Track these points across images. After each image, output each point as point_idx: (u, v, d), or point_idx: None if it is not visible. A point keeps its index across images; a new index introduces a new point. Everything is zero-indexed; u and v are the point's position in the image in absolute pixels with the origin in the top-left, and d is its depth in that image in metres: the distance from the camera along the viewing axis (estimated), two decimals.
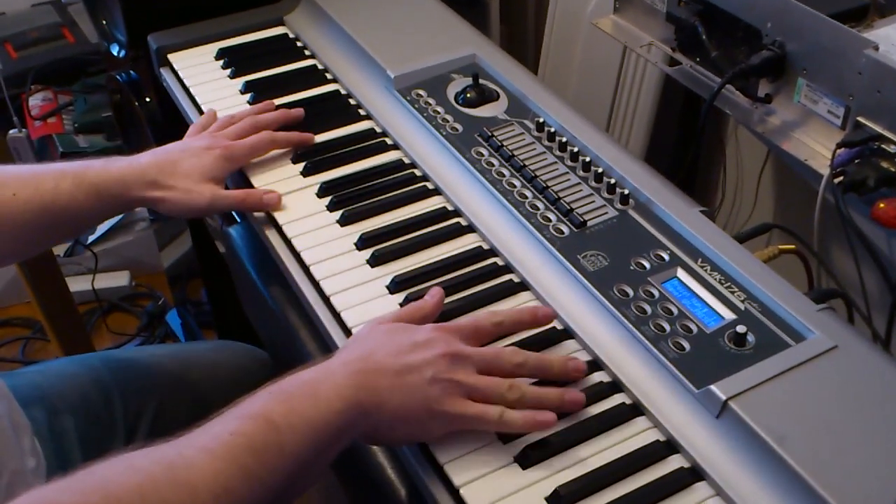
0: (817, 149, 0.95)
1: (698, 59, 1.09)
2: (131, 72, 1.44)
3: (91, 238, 2.18)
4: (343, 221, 0.93)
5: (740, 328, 0.73)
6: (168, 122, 1.38)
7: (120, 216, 2.20)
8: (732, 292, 0.78)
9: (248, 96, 1.13)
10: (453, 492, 0.68)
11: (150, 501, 0.57)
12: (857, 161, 0.89)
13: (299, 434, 0.63)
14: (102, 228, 2.19)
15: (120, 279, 2.20)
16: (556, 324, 0.80)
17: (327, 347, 0.85)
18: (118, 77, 1.46)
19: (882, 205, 0.82)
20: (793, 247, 0.89)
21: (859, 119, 0.89)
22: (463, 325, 0.75)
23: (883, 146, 0.87)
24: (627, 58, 1.54)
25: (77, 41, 2.25)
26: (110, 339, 2.12)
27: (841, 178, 0.88)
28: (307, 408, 0.65)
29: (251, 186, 0.99)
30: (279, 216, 0.95)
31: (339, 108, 1.11)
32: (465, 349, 0.72)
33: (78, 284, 2.09)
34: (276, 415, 0.63)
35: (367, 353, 0.70)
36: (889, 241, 0.91)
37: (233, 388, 0.90)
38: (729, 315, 0.76)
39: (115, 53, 1.43)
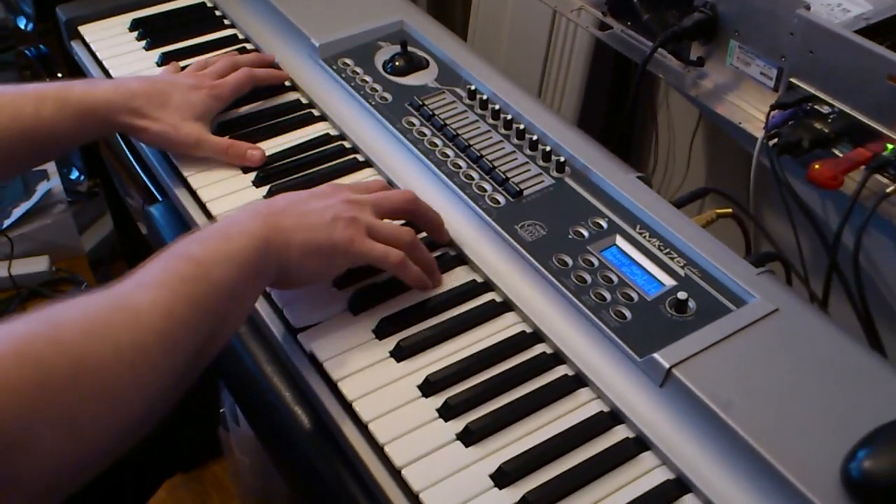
0: (751, 111, 0.95)
1: (629, 23, 1.08)
2: (41, 46, 1.38)
3: (7, 222, 2.09)
4: (270, 197, 0.89)
5: (681, 294, 0.72)
6: None
7: (35, 199, 2.12)
8: (672, 258, 0.77)
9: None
10: (395, 472, 0.66)
11: (93, 323, 0.59)
12: (790, 123, 0.88)
13: (222, 266, 0.67)
14: (19, 212, 2.10)
15: (39, 264, 2.11)
16: (495, 296, 0.78)
17: (257, 326, 0.81)
18: (27, 52, 1.39)
19: (817, 166, 0.82)
20: (729, 210, 0.88)
21: (792, 80, 0.89)
22: (354, 184, 0.83)
23: (816, 107, 0.87)
24: (557, 22, 1.52)
25: None
26: None
27: (775, 140, 0.88)
28: (224, 245, 0.68)
29: (173, 165, 0.95)
30: (202, 193, 0.90)
31: None
32: (360, 196, 0.78)
33: None
34: (196, 252, 0.67)
35: (269, 203, 0.76)
36: (824, 202, 0.91)
37: None
38: (669, 281, 0.75)
39: (21, 27, 1.36)
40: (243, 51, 1.10)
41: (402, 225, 0.81)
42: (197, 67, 1.01)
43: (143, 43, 1.12)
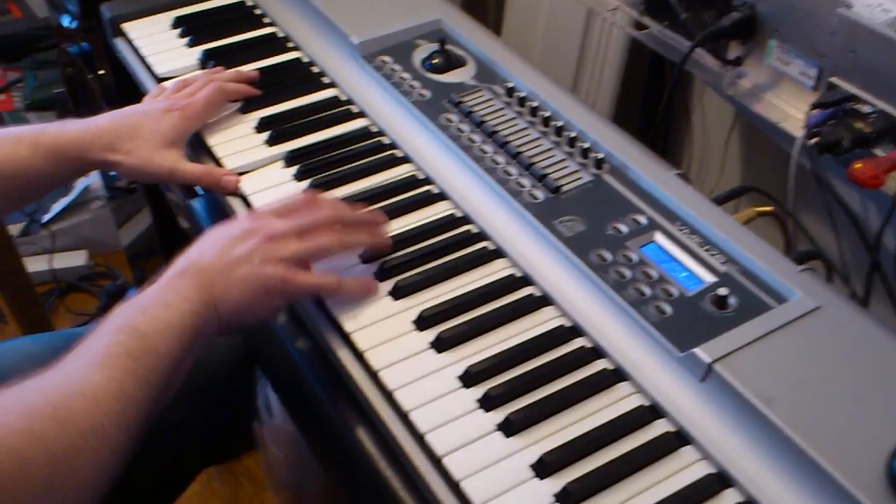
0: (789, 111, 0.95)
1: (666, 23, 1.08)
2: (83, 43, 1.40)
3: (47, 217, 2.12)
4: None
5: (722, 290, 0.73)
6: (123, 94, 1.34)
7: (75, 195, 2.15)
8: (712, 255, 0.77)
9: (208, 66, 1.09)
10: (435, 461, 0.67)
11: (59, 411, 0.60)
12: (830, 122, 0.88)
13: (165, 336, 0.68)
14: (58, 207, 2.14)
15: (77, 258, 2.15)
16: (534, 290, 0.79)
17: (299, 319, 0.82)
18: (70, 50, 1.41)
19: (858, 165, 0.81)
20: (770, 209, 0.88)
21: (832, 80, 0.88)
22: (275, 207, 0.82)
23: (857, 106, 0.86)
24: (592, 21, 1.52)
25: (25, 16, 2.19)
26: (69, 320, 2.07)
27: (815, 139, 0.87)
28: (164, 314, 0.70)
29: (215, 158, 0.96)
30: (245, 187, 0.92)
31: (302, 76, 1.08)
32: (281, 225, 0.78)
33: (35, 265, 2.04)
34: (140, 324, 0.68)
35: (195, 260, 0.75)
36: (864, 201, 0.91)
37: (202, 366, 0.87)
38: (710, 278, 0.75)
39: (65, 25, 1.39)
40: (283, 49, 1.12)
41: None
42: (175, 89, 1.01)
43: (186, 40, 1.14)
